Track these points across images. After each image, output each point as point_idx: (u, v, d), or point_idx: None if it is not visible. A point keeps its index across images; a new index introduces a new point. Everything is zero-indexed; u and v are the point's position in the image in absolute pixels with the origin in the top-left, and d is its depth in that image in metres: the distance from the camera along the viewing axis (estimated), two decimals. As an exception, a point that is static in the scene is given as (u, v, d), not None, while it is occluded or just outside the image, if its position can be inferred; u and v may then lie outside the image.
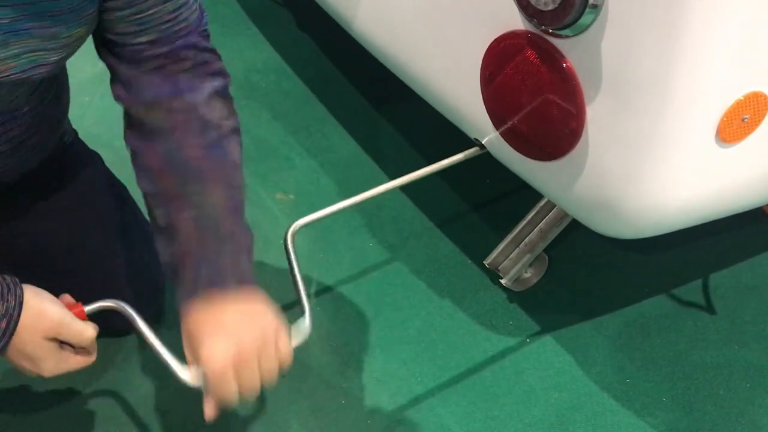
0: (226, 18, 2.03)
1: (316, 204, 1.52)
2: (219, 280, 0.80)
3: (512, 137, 1.01)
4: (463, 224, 1.52)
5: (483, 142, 1.11)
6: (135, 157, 0.88)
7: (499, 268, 1.33)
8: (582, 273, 1.43)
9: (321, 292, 1.40)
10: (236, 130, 0.91)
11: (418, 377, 1.26)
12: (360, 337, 1.32)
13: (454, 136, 1.61)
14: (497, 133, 1.03)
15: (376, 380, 1.25)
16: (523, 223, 1.31)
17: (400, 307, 1.37)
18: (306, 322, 0.91)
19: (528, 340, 1.31)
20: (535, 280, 1.35)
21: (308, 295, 1.11)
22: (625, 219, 0.95)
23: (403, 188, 1.57)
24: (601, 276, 1.43)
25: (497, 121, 1.02)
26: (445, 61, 1.09)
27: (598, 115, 0.88)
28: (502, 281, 1.33)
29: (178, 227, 0.83)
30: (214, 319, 0.80)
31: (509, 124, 0.99)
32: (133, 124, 0.87)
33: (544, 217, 1.30)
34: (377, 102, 1.79)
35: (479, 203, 1.56)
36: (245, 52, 1.93)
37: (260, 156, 1.66)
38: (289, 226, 1.12)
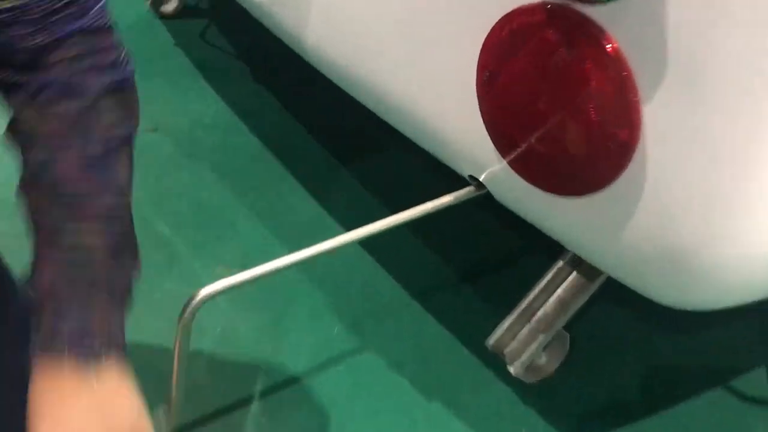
0: (172, 71, 1.76)
1: (266, 281, 1.19)
2: (81, 341, 0.62)
3: (524, 165, 0.70)
4: (455, 297, 1.20)
5: (481, 179, 0.80)
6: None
7: (505, 352, 1.00)
8: (616, 358, 1.09)
9: (268, 394, 1.05)
10: (128, 139, 0.69)
11: None
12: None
13: (436, 192, 1.31)
14: (501, 160, 0.72)
15: None
16: (536, 290, 0.99)
17: (374, 412, 1.02)
18: None
19: (549, 456, 0.97)
20: (552, 368, 1.02)
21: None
22: (700, 279, 0.63)
23: (377, 254, 1.25)
24: (642, 364, 1.09)
25: (502, 142, 0.71)
26: (424, 70, 0.79)
27: (662, 120, 0.58)
28: (510, 369, 0.99)
29: (42, 268, 0.64)
30: (55, 411, 0.61)
31: (520, 145, 0.69)
32: (9, 125, 0.69)
33: (564, 282, 0.98)
34: (343, 157, 1.49)
35: (475, 268, 1.24)
36: (190, 106, 1.64)
37: (199, 222, 1.35)
38: (191, 298, 0.80)
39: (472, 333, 1.12)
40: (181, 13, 2.00)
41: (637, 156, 0.60)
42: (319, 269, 1.24)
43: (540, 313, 1.00)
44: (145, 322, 1.16)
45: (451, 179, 0.94)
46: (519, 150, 0.69)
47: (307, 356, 1.10)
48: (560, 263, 0.99)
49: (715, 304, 0.69)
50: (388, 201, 1.38)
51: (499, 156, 0.72)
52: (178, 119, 1.61)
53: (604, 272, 0.95)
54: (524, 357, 0.97)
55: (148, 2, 2.00)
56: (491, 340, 1.00)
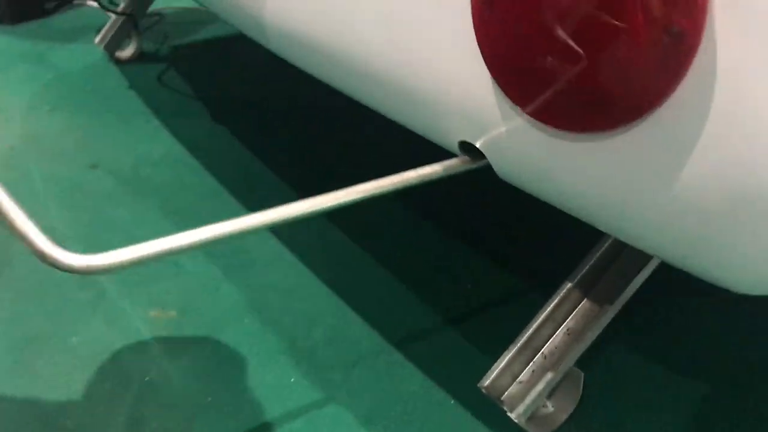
0: (123, 111, 1.61)
1: (209, 324, 0.99)
2: None
3: (544, 101, 0.53)
4: (440, 341, 0.99)
5: (478, 144, 0.62)
6: None
7: (504, 397, 0.79)
8: (641, 407, 0.88)
9: (203, 457, 0.83)
10: None
11: None
12: None
13: (405, 231, 1.13)
14: (508, 108, 0.55)
15: None
16: (540, 319, 0.79)
17: (338, 479, 0.79)
18: None
19: None
20: (563, 417, 0.81)
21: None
22: None
23: (346, 295, 1.06)
24: (671, 415, 0.88)
25: (509, 79, 0.54)
26: (398, 14, 0.63)
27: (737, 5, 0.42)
28: (512, 417, 0.78)
29: None
30: None
31: (538, 72, 0.51)
32: None
33: (574, 309, 0.79)
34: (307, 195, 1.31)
35: (463, 306, 1.04)
36: (139, 145, 1.47)
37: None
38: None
39: (460, 381, 0.91)
40: (139, 58, 1.87)
41: (700, 58, 0.43)
42: (275, 311, 1.03)
43: (545, 348, 0.80)
44: (55, 368, 0.94)
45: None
46: (536, 80, 0.51)
47: (252, 409, 0.88)
48: (568, 285, 0.81)
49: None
50: (356, 238, 1.20)
51: (506, 101, 0.55)
52: (123, 157, 1.44)
53: (623, 292, 0.77)
54: (528, 400, 0.77)
55: (101, 46, 1.87)
56: (486, 381, 0.79)
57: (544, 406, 0.82)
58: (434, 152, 0.75)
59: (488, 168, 0.62)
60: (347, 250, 1.16)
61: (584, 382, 0.81)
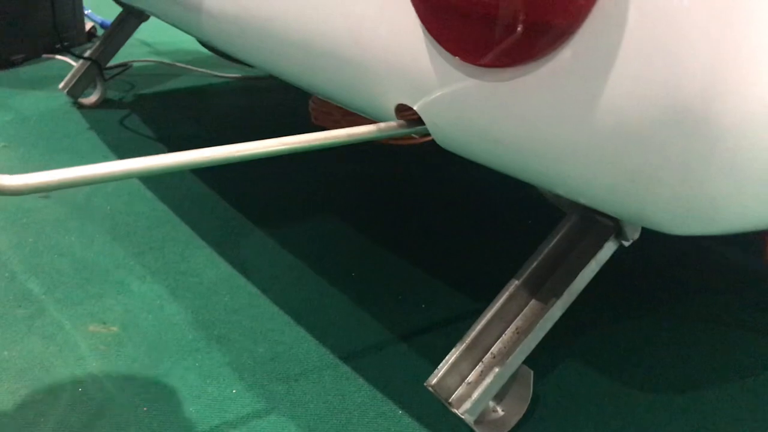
0: (80, 148, 1.60)
1: (151, 339, 0.95)
2: None
3: (468, 40, 0.52)
4: (389, 358, 0.96)
5: (415, 107, 0.61)
6: None
7: (451, 399, 0.76)
8: (590, 413, 0.86)
9: (132, 464, 0.77)
10: None
11: None
12: None
13: (354, 256, 1.16)
14: (442, 53, 0.55)
15: None
16: (488, 316, 0.78)
17: (275, 486, 0.75)
18: None
19: None
20: (514, 421, 0.78)
21: None
22: (715, 150, 0.45)
23: (296, 316, 1.03)
24: (628, 404, 0.85)
25: (434, 16, 0.54)
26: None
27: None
28: (458, 412, 0.75)
29: None
30: None
31: (458, 5, 0.52)
32: None
33: (524, 307, 0.77)
34: (260, 222, 1.30)
35: (414, 327, 1.01)
36: (93, 177, 1.45)
37: (79, 282, 1.11)
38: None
39: (409, 394, 0.88)
40: (102, 105, 1.88)
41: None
42: (220, 328, 1.00)
43: (494, 347, 0.78)
44: (-19, 379, 0.89)
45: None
46: (459, 16, 0.51)
47: (191, 419, 0.83)
48: (515, 283, 0.80)
49: (738, 200, 0.48)
50: (309, 262, 1.18)
51: (439, 54, 0.55)
52: (78, 188, 1.42)
53: (572, 289, 0.76)
54: (476, 395, 0.74)
55: (65, 91, 1.88)
56: (433, 380, 0.76)
57: (494, 410, 0.79)
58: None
59: (424, 133, 0.62)
60: (297, 272, 1.14)
61: (535, 393, 0.78)
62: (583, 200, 0.53)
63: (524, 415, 0.81)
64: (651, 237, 1.27)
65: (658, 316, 1.05)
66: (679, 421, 0.85)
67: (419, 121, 0.61)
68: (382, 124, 0.61)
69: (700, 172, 0.44)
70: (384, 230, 1.29)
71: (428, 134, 0.64)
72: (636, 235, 0.77)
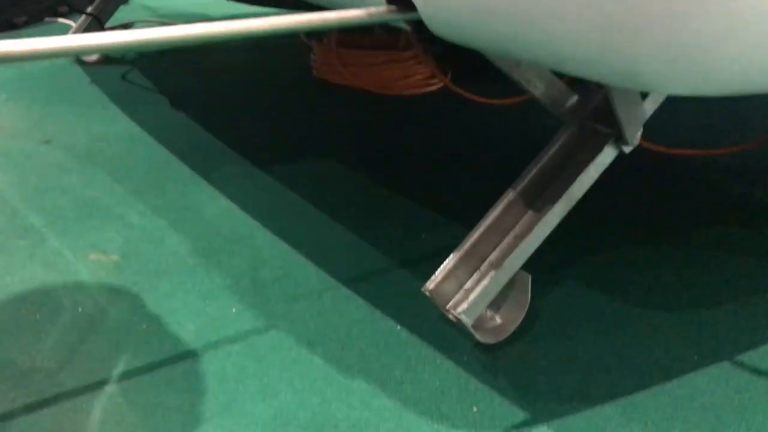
0: (82, 101, 1.60)
1: (151, 266, 0.96)
2: None
3: None
4: (389, 282, 0.96)
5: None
6: None
7: (448, 306, 0.76)
8: (587, 326, 0.85)
9: (133, 375, 0.78)
10: None
11: None
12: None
13: (353, 192, 1.18)
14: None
15: None
16: (486, 224, 0.77)
17: (273, 392, 0.75)
18: None
19: (511, 437, 0.70)
20: (512, 328, 0.78)
21: None
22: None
23: (296, 244, 1.03)
24: (621, 332, 0.85)
25: None
26: None
27: None
28: (455, 313, 0.74)
29: None
30: None
31: None
32: None
33: (522, 216, 0.77)
34: (262, 164, 1.30)
35: (415, 255, 1.01)
36: (94, 126, 1.46)
37: (80, 216, 1.11)
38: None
39: (409, 314, 0.88)
40: (104, 62, 1.88)
41: None
42: (221, 255, 1.00)
43: (492, 255, 0.78)
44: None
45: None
46: None
47: (190, 335, 0.84)
48: (511, 193, 0.79)
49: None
50: (309, 197, 1.17)
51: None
52: (78, 135, 1.42)
53: (569, 197, 0.75)
54: (473, 296, 0.73)
55: (68, 47, 1.88)
56: (430, 285, 0.76)
57: (492, 318, 0.79)
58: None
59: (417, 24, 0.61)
60: (297, 207, 1.14)
61: (534, 310, 0.78)
62: (572, 66, 0.52)
63: (522, 331, 0.81)
64: (655, 171, 1.26)
65: (660, 241, 1.04)
66: (678, 338, 0.84)
67: (409, 6, 0.60)
68: (372, 9, 0.60)
69: (689, 12, 0.43)
70: (385, 170, 1.28)
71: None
72: (636, 141, 0.76)
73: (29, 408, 0.73)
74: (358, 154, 1.34)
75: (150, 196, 1.17)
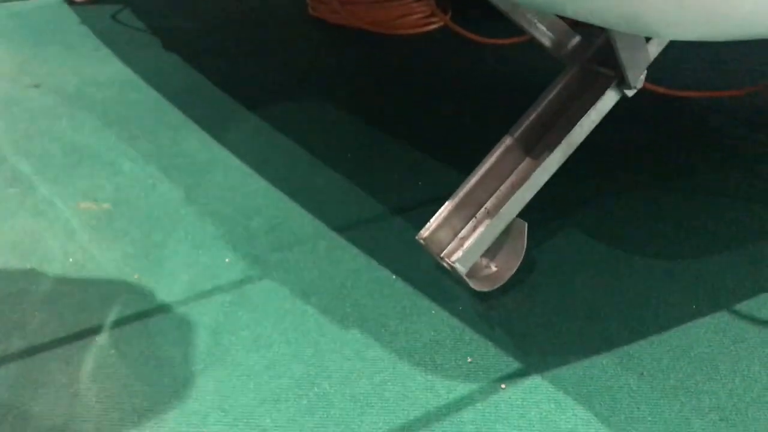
0: (72, 41, 1.56)
1: (143, 214, 0.94)
2: None
3: None
4: (385, 230, 0.94)
5: None
6: None
7: (443, 254, 0.74)
8: (584, 275, 0.84)
9: (124, 323, 0.77)
10: None
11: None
12: (193, 387, 0.68)
13: (348, 138, 1.16)
14: None
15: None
16: (481, 171, 0.75)
17: (267, 343, 0.74)
18: None
19: (503, 387, 0.70)
20: (507, 275, 0.76)
21: None
22: None
23: (290, 193, 1.01)
24: (618, 283, 0.84)
25: None
26: None
27: None
28: (450, 261, 0.73)
29: None
30: None
31: None
32: None
33: (518, 163, 0.74)
34: (251, 105, 1.27)
35: (411, 202, 0.99)
36: (84, 69, 1.42)
37: (70, 163, 1.09)
38: None
39: (406, 264, 0.86)
40: (94, 0, 1.83)
41: None
42: (214, 204, 0.98)
43: (488, 203, 0.76)
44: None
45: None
46: None
47: (182, 284, 0.83)
48: (508, 139, 0.77)
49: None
50: (302, 141, 1.15)
51: None
52: (68, 78, 1.39)
53: (568, 143, 0.73)
54: (469, 244, 0.72)
55: (56, -14, 1.82)
56: (424, 233, 0.75)
57: (487, 266, 0.78)
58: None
59: None
60: (292, 154, 1.12)
61: (531, 259, 0.76)
62: (572, 9, 0.49)
63: (518, 281, 0.80)
64: (658, 115, 1.22)
65: (661, 187, 1.02)
66: (676, 288, 0.83)
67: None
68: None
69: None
70: (381, 115, 1.25)
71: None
72: (639, 84, 0.73)
73: (20, 357, 0.72)
74: (354, 97, 1.31)
75: (142, 142, 1.15)
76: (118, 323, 0.77)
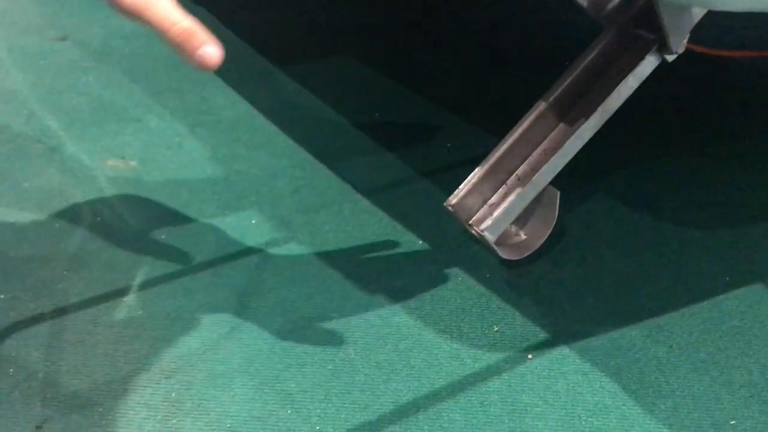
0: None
1: (170, 173, 0.94)
2: None
3: None
4: (413, 192, 0.93)
5: None
6: None
7: (471, 221, 0.73)
8: (615, 246, 0.82)
9: (148, 286, 0.77)
10: None
11: (333, 419, 0.62)
12: (220, 349, 0.68)
13: (377, 97, 1.13)
14: None
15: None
16: (513, 137, 0.73)
17: (292, 308, 0.74)
18: None
19: (530, 357, 0.69)
20: (537, 244, 0.75)
21: None
22: None
23: (317, 153, 1.00)
24: (650, 252, 0.82)
25: None
26: None
27: None
28: (478, 229, 0.72)
29: None
30: None
31: None
32: None
33: (552, 130, 0.72)
34: (281, 63, 1.25)
35: (440, 167, 0.98)
36: (110, 20, 1.41)
37: (97, 119, 1.09)
38: None
39: (434, 228, 0.85)
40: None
41: None
42: (240, 163, 0.98)
43: (519, 170, 0.74)
44: (1, 208, 0.89)
45: None
46: None
47: (208, 245, 0.83)
48: (542, 105, 0.75)
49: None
50: (329, 100, 1.13)
51: None
52: (94, 30, 1.38)
53: (603, 110, 0.71)
54: (498, 212, 0.71)
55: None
56: (453, 200, 0.73)
57: (517, 234, 0.76)
58: None
59: None
60: (318, 112, 1.10)
61: (561, 225, 0.75)
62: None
63: (547, 249, 0.79)
64: (698, 76, 1.18)
65: (697, 153, 0.99)
66: (709, 258, 0.81)
67: None
68: None
69: None
70: (410, 70, 1.23)
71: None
72: (681, 49, 0.70)
73: (50, 317, 0.73)
74: (381, 52, 1.29)
75: (168, 98, 1.14)
76: (146, 284, 0.77)
